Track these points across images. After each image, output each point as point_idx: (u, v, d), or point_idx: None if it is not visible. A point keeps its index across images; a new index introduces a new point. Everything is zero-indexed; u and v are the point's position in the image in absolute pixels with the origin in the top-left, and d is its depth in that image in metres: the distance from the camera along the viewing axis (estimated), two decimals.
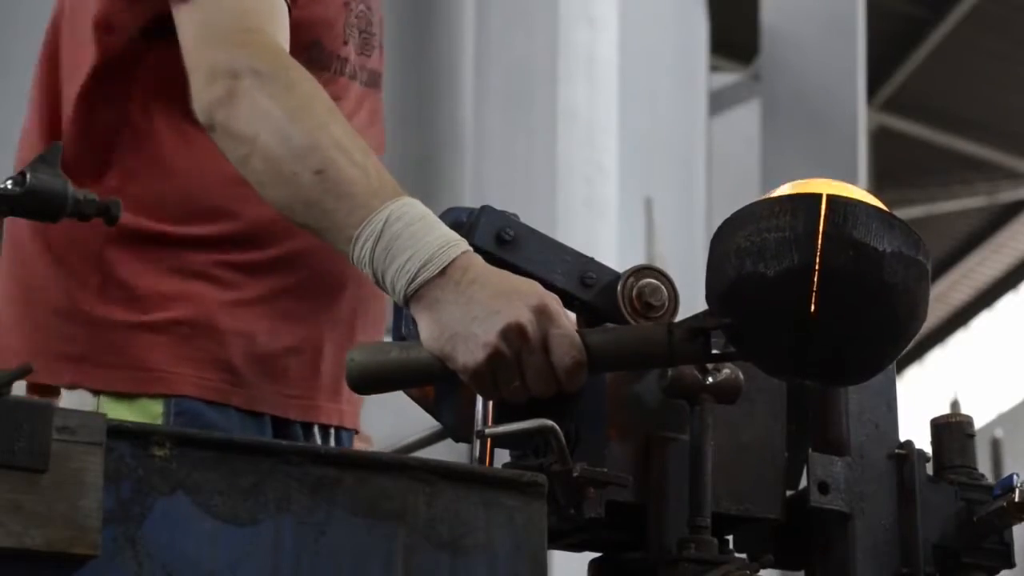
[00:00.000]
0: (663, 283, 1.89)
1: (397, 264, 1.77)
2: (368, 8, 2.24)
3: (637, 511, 1.79)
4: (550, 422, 1.72)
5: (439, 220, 1.82)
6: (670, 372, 1.79)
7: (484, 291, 1.75)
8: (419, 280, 1.76)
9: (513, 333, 1.73)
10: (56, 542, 1.39)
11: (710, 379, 1.78)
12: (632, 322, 1.87)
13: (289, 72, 1.93)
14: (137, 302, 2.06)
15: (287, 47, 2.01)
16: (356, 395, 2.20)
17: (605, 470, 1.73)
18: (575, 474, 1.71)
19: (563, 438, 1.72)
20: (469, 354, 1.73)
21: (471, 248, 1.79)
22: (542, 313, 1.73)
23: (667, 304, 1.88)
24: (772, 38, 9.58)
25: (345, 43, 2.18)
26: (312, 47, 2.14)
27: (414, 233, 1.78)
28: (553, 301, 1.76)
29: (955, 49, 14.57)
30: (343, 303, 2.17)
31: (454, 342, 1.74)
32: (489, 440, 1.80)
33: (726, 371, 1.79)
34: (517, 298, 1.74)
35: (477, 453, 1.81)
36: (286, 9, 2.04)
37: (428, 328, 1.76)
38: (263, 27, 1.99)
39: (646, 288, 1.88)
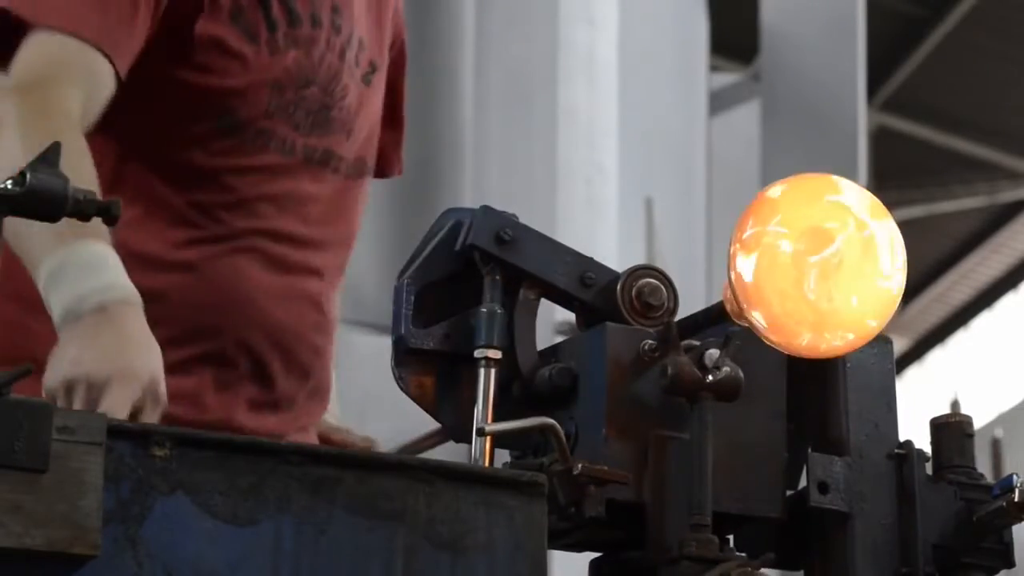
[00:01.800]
0: (662, 283, 1.89)
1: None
2: (326, 91, 2.27)
3: (637, 510, 1.79)
4: (550, 420, 1.72)
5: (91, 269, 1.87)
6: (670, 370, 1.79)
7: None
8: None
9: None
10: (56, 542, 1.40)
11: (710, 377, 1.78)
12: (631, 322, 1.87)
13: (44, 121, 1.99)
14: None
15: (87, 103, 2.06)
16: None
17: (605, 467, 1.74)
18: (576, 472, 1.71)
19: (563, 436, 1.72)
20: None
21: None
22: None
23: (666, 304, 1.89)
24: (772, 38, 9.57)
25: (269, 116, 2.21)
26: (221, 116, 2.19)
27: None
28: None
29: (955, 49, 14.56)
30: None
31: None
32: (489, 439, 1.81)
33: (726, 369, 1.79)
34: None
35: (476, 451, 1.81)
36: (108, 69, 2.08)
37: None
38: (58, 79, 2.06)
39: (646, 288, 1.89)
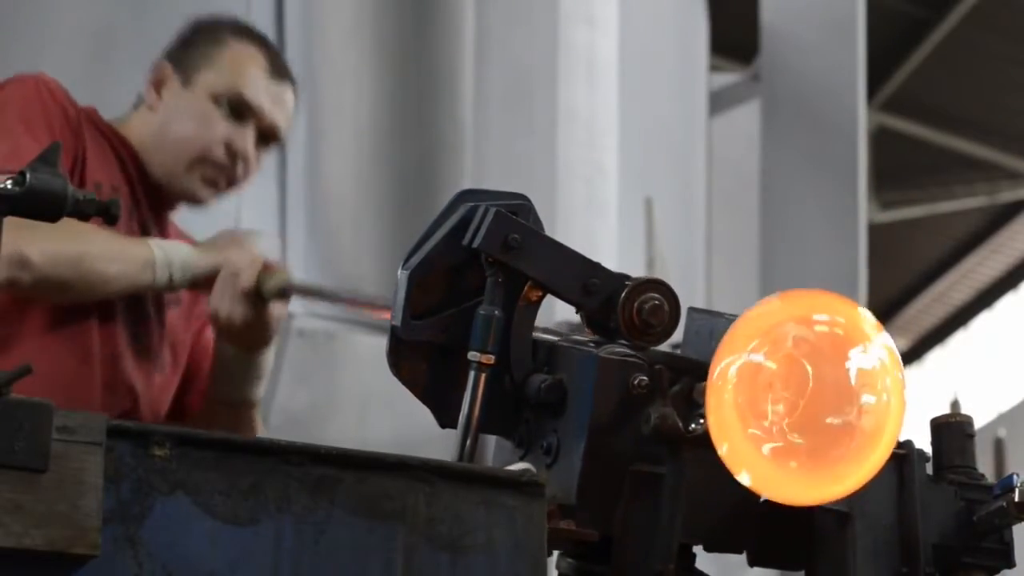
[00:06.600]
0: (665, 299, 1.88)
1: None
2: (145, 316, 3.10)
3: (604, 542, 1.80)
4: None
5: None
6: (652, 420, 1.79)
7: None
8: None
9: None
10: (56, 542, 1.40)
11: (693, 425, 1.78)
12: (627, 338, 1.86)
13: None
14: None
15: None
16: None
17: (574, 504, 1.76)
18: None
19: None
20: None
21: None
22: None
23: (667, 320, 1.87)
24: (772, 38, 9.56)
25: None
26: None
27: None
28: None
29: (955, 49, 14.56)
30: None
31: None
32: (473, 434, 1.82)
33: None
34: None
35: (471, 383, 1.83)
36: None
37: None
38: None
39: (647, 306, 1.87)
